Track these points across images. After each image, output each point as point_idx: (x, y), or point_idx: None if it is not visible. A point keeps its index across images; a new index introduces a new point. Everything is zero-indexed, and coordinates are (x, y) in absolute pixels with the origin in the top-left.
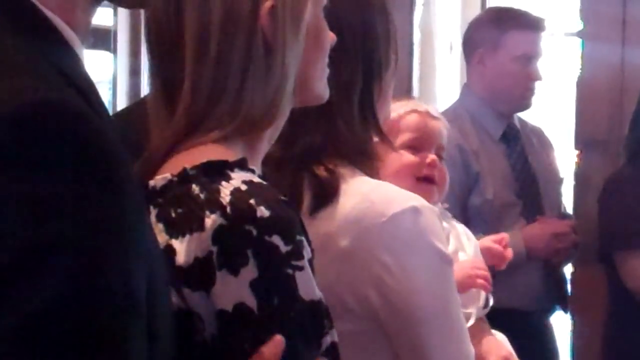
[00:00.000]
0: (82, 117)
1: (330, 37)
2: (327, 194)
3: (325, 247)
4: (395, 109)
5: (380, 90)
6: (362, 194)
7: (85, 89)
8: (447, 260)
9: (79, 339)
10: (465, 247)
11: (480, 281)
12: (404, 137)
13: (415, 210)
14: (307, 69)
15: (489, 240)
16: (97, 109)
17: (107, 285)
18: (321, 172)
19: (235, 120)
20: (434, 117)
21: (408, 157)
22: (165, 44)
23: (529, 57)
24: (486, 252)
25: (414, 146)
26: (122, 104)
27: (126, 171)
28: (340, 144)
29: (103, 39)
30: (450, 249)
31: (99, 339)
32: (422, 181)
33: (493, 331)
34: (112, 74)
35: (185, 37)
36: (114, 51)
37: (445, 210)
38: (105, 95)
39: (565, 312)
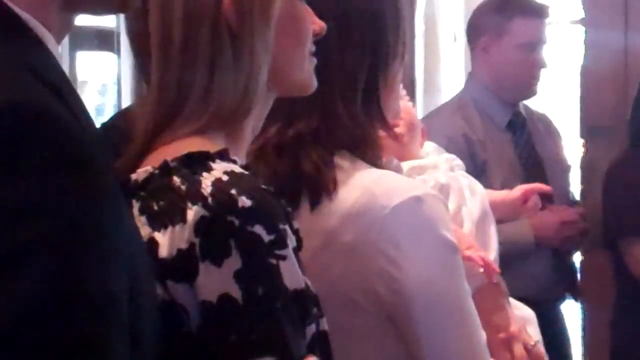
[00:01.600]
0: (50, 117)
1: (318, 26)
2: (323, 188)
3: (329, 243)
4: None
5: (386, 81)
6: (363, 187)
7: (59, 87)
8: (452, 249)
9: (57, 345)
10: (467, 202)
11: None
12: None
13: (417, 200)
14: (282, 57)
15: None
16: (72, 107)
17: (86, 288)
18: (316, 161)
19: (206, 113)
20: None
21: None
22: (137, 42)
23: (533, 45)
24: (501, 204)
25: None
26: (127, 105)
27: (100, 169)
28: (339, 130)
29: (107, 41)
30: (451, 207)
31: (78, 344)
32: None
33: (521, 305)
34: (116, 75)
35: (150, 31)
36: (118, 52)
37: (453, 160)
38: (111, 97)
39: (576, 300)
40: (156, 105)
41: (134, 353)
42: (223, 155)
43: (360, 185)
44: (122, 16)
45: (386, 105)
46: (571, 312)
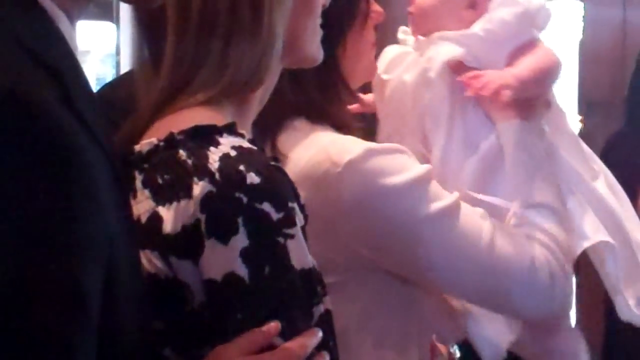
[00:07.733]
0: (36, 108)
1: None
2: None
3: None
4: None
5: (345, 48)
6: (319, 147)
7: (61, 70)
8: (417, 179)
9: (22, 336)
10: None
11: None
12: None
13: (369, 151)
14: (296, 29)
15: None
16: (70, 91)
17: (53, 280)
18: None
19: (219, 83)
20: None
21: None
22: (151, 10)
23: None
24: None
25: None
26: None
27: (81, 159)
28: (284, 100)
29: (105, 10)
30: None
31: (43, 335)
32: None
33: None
34: (114, 45)
35: (166, 2)
36: (117, 22)
37: None
38: (109, 67)
39: None
40: (170, 73)
41: (110, 344)
42: (231, 130)
43: (317, 145)
44: None
45: (353, 72)
46: None
